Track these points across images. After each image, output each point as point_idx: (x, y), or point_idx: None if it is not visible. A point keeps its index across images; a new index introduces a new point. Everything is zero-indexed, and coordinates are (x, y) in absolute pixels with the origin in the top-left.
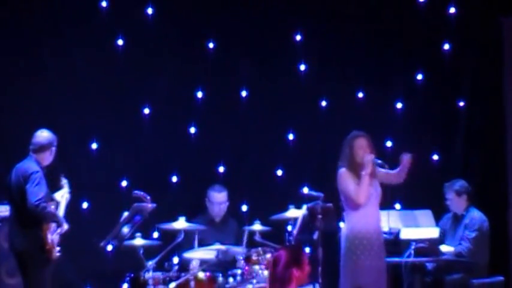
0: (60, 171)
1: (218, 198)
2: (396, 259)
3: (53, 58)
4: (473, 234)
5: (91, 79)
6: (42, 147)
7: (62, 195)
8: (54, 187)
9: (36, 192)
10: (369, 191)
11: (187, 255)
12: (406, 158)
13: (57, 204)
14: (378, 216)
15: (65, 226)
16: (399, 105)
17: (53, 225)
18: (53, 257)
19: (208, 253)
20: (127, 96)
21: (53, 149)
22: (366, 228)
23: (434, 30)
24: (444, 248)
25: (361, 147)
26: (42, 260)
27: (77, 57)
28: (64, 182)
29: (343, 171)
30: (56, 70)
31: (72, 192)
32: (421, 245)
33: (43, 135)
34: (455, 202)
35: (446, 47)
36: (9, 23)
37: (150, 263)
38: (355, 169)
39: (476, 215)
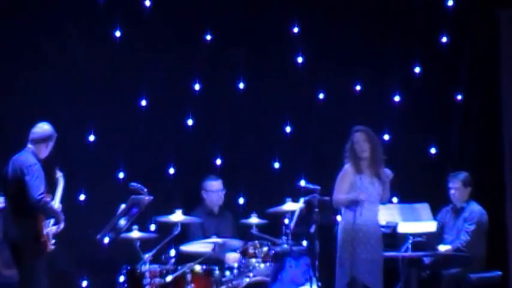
0: (56, 164)
1: (215, 186)
2: (393, 253)
3: (51, 50)
4: (473, 227)
5: (88, 71)
6: (39, 140)
7: (57, 189)
8: (49, 180)
9: (37, 186)
10: (369, 190)
11: (184, 248)
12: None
13: (52, 197)
14: (376, 211)
15: (62, 224)
16: (397, 98)
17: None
18: (48, 249)
19: (205, 246)
20: (124, 88)
21: (50, 143)
22: (362, 220)
23: (431, 23)
24: (441, 247)
25: (357, 141)
26: (36, 250)
27: (75, 49)
28: (59, 175)
29: (345, 169)
30: (54, 62)
31: (69, 184)
32: (418, 239)
33: (42, 127)
34: (460, 192)
35: (444, 39)
36: (8, 14)
37: (147, 256)
38: (356, 162)
39: (475, 208)
